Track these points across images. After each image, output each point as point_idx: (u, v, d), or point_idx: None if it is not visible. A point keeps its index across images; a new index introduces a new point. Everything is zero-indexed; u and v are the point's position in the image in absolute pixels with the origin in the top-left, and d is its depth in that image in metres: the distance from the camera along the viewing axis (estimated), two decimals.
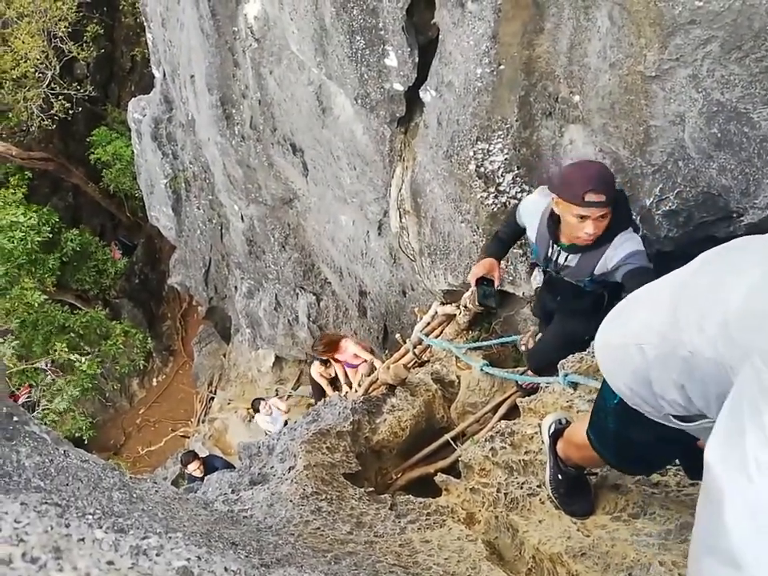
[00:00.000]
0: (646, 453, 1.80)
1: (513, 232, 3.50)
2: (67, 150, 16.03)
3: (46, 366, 11.69)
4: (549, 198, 3.03)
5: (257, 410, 9.33)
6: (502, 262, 3.56)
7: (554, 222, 3.07)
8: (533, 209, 3.25)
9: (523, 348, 4.69)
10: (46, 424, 10.04)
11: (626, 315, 1.80)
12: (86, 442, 12.55)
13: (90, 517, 1.37)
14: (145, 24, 10.15)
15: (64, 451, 1.70)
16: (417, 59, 4.60)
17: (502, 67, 3.87)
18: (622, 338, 1.72)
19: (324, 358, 7.61)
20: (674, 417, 1.61)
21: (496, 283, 3.39)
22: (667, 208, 3.46)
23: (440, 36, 4.29)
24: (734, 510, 1.01)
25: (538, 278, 3.45)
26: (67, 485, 1.51)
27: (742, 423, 1.12)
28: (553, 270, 3.26)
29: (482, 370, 4.39)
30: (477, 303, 3.65)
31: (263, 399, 9.54)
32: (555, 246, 3.15)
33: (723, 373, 1.34)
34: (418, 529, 2.73)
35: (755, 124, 2.93)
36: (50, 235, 12.87)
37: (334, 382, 8.08)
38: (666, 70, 3.09)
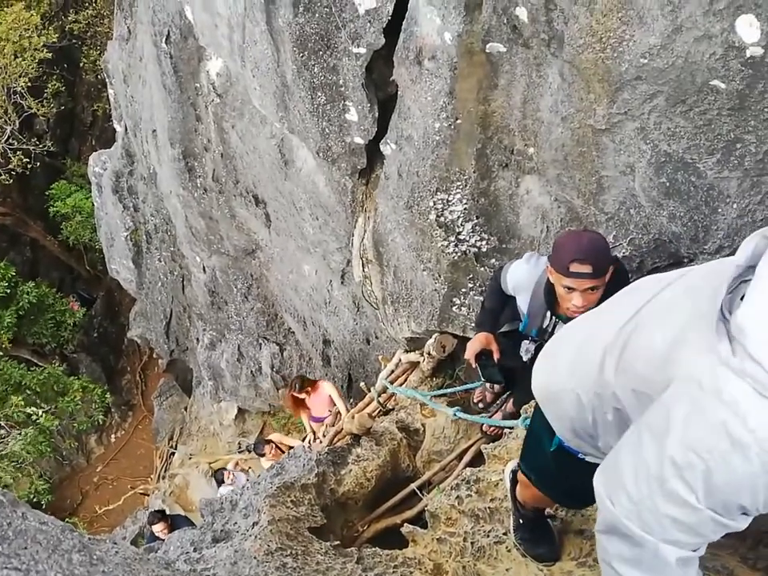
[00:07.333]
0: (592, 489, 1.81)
1: (500, 301, 3.36)
2: (26, 204, 15.84)
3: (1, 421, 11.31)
4: (540, 267, 3.00)
5: (221, 482, 8.78)
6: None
7: (550, 292, 2.94)
8: (523, 279, 3.15)
9: (480, 405, 4.62)
10: (1, 482, 9.66)
11: (555, 356, 1.84)
12: (43, 507, 12.06)
13: None
14: (107, 80, 10.22)
15: (22, 513, 1.65)
16: (377, 114, 4.71)
17: (459, 121, 3.99)
18: (556, 383, 1.77)
19: (300, 395, 7.36)
20: None
21: (495, 357, 3.26)
22: (620, 254, 3.57)
23: (399, 92, 4.42)
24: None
25: (530, 350, 3.26)
26: (26, 548, 1.47)
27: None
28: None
29: (455, 415, 4.37)
30: (483, 379, 3.51)
31: (225, 470, 9.02)
32: (553, 317, 3.05)
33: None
34: None
35: (701, 173, 3.06)
36: (8, 291, 12.61)
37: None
38: (615, 123, 3.22)
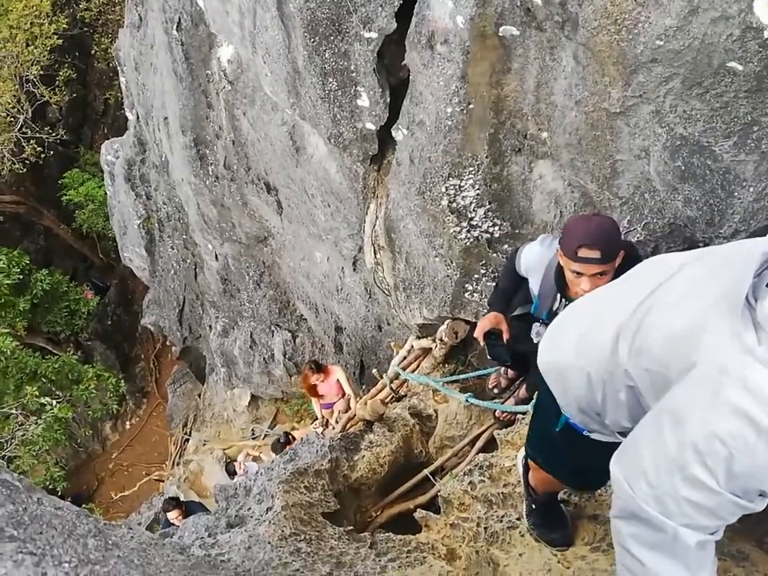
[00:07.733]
0: (598, 468, 1.75)
1: (514, 282, 3.36)
2: (39, 193, 15.93)
3: (16, 410, 11.42)
4: (553, 249, 2.98)
5: (233, 473, 8.94)
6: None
7: (560, 275, 2.93)
8: (535, 261, 3.15)
9: (495, 390, 4.61)
10: (18, 469, 9.78)
11: (562, 335, 1.84)
12: (59, 493, 12.20)
13: (67, 565, 1.35)
14: (118, 68, 10.23)
15: (37, 499, 1.67)
16: (388, 99, 4.68)
17: (471, 106, 3.96)
18: (564, 362, 1.77)
19: (313, 380, 7.35)
20: (621, 434, 1.64)
21: (505, 337, 3.27)
22: (635, 239, 3.54)
23: (411, 77, 4.38)
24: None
25: (541, 333, 3.22)
26: (41, 533, 1.48)
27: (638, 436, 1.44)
28: None
29: (467, 401, 4.38)
30: (489, 357, 3.52)
31: (235, 461, 9.13)
32: (564, 300, 3.04)
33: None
34: (399, 567, 2.70)
35: (717, 156, 3.02)
36: (20, 277, 12.69)
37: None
38: (630, 107, 3.18)
